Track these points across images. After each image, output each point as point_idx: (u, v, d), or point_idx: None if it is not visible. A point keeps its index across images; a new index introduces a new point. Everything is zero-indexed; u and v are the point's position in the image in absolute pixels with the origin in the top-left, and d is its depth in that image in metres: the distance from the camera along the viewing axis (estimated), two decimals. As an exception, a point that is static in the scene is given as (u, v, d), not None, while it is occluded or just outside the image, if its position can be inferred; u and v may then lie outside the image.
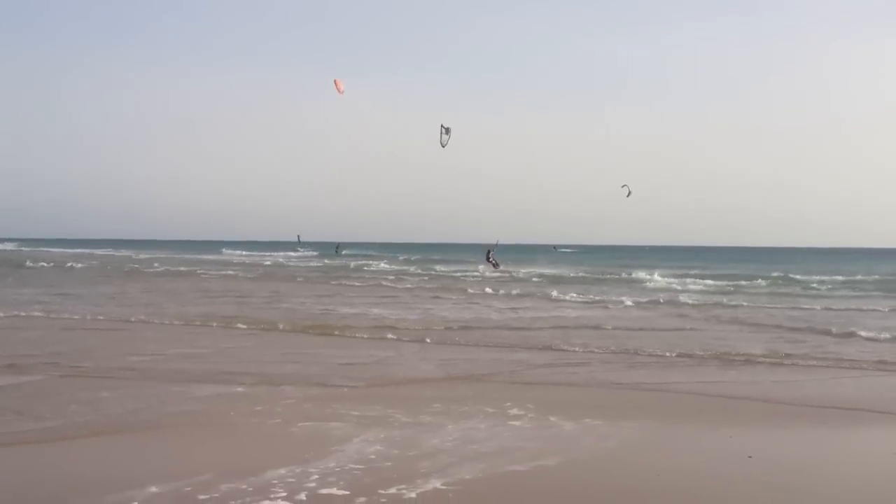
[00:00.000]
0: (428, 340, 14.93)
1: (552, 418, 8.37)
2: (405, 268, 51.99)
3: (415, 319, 18.82)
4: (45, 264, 49.29)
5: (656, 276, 39.88)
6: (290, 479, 6.09)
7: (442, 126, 14.20)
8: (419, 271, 46.69)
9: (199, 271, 43.94)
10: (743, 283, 36.59)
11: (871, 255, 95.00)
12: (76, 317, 18.46)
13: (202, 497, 5.67)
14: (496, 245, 41.66)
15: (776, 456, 7.09)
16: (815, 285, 35.25)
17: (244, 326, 16.88)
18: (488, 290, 29.41)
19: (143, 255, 73.82)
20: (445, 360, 12.64)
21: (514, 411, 8.67)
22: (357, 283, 35.30)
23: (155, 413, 8.58)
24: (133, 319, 18.22)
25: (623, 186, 15.66)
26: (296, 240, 70.59)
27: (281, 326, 17.01)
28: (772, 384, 10.84)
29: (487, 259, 44.36)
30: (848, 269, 52.80)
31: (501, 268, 45.41)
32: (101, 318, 18.37)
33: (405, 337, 15.36)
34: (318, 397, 9.49)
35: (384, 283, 36.32)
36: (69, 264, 50.13)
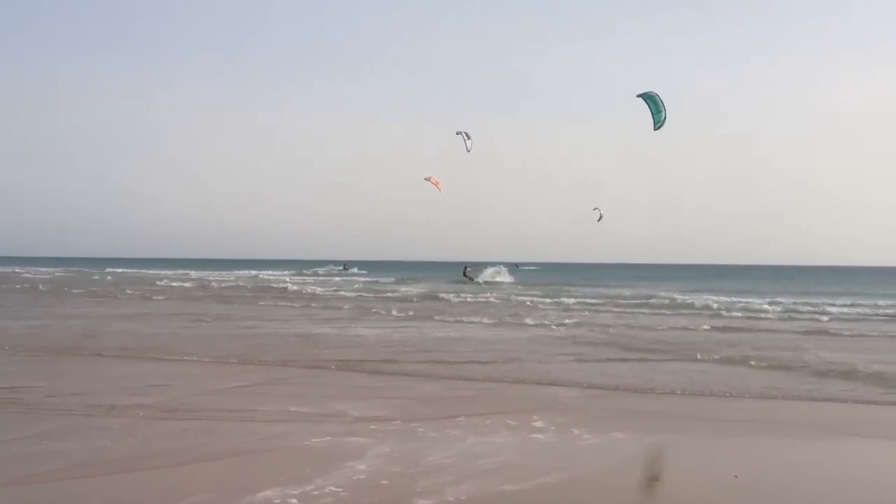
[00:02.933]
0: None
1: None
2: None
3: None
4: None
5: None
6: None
7: (459, 133, 14.14)
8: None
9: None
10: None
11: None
12: None
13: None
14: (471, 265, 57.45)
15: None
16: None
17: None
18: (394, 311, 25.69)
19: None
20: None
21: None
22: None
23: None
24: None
25: (594, 209, 15.37)
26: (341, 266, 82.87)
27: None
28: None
29: (464, 274, 56.75)
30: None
31: (478, 280, 53.42)
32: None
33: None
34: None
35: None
36: None
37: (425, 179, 14.32)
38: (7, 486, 6.00)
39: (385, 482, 6.24)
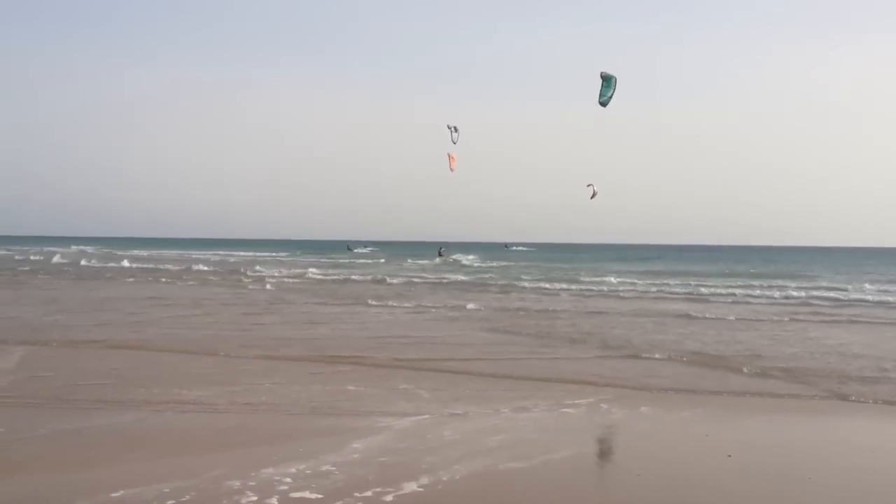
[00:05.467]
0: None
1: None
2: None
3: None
4: None
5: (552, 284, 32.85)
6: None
7: (449, 126, 14.58)
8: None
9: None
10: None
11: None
12: None
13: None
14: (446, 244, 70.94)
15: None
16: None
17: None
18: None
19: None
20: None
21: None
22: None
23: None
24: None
25: (588, 186, 15.33)
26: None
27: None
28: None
29: (439, 254, 66.12)
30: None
31: (450, 258, 62.39)
32: None
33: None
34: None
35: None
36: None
37: (448, 154, 14.83)
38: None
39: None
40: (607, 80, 11.35)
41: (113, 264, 46.16)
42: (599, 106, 11.43)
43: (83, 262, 48.63)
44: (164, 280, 32.47)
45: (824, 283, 34.05)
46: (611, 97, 11.40)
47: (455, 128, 14.55)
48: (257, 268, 43.16)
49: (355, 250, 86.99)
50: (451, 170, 14.98)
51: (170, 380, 9.85)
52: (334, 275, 37.97)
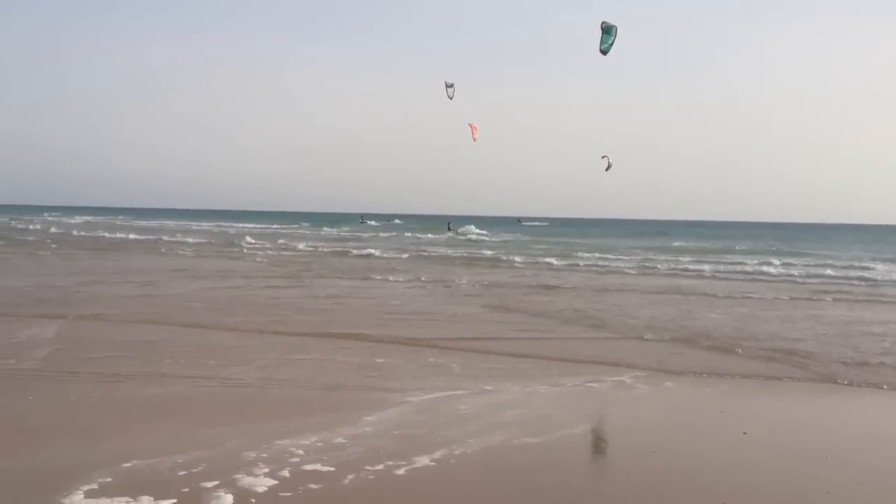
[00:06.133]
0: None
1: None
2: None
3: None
4: None
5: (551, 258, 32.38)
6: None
7: (446, 83, 14.70)
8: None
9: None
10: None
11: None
12: None
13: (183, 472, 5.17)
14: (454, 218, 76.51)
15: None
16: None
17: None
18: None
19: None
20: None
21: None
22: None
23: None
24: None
25: (603, 157, 15.06)
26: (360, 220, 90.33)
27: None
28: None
29: (448, 228, 67.41)
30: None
31: (459, 230, 64.19)
32: None
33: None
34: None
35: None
36: None
37: (469, 125, 15.02)
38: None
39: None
40: (608, 30, 11.62)
41: (134, 235, 46.07)
42: (600, 53, 11.88)
43: (104, 234, 48.21)
44: (163, 250, 32.35)
45: (851, 262, 33.17)
46: (611, 44, 11.82)
47: (451, 84, 14.68)
48: (249, 239, 43.03)
49: (369, 223, 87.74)
50: (474, 139, 15.02)
51: (196, 353, 9.80)
52: (328, 248, 37.63)
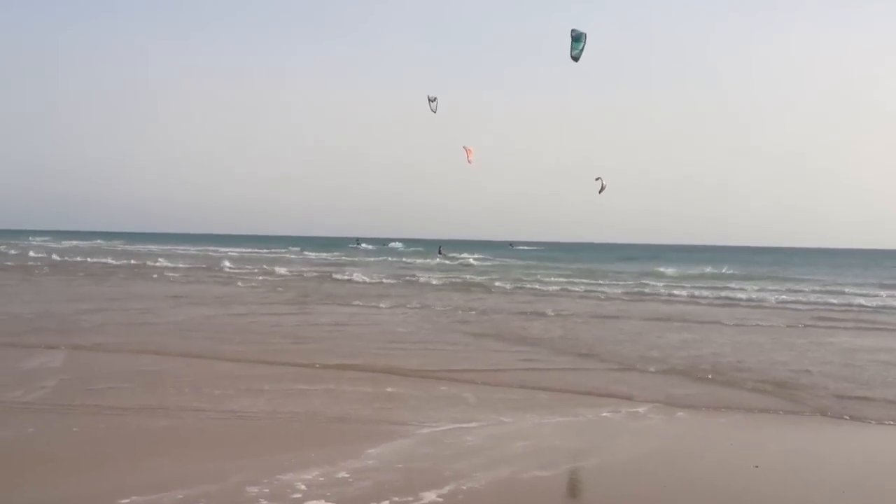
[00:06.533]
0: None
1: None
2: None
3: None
4: None
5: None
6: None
7: (428, 97, 14.78)
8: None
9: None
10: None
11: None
12: None
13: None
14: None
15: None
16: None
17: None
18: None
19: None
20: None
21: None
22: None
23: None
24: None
25: (597, 179, 15.09)
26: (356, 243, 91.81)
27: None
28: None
29: (439, 252, 67.34)
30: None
31: (449, 255, 64.16)
32: None
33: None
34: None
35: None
36: None
37: (464, 147, 14.98)
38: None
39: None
40: (577, 38, 11.79)
41: (125, 261, 45.45)
42: (572, 60, 12.07)
43: (110, 260, 46.45)
44: (154, 276, 32.04)
45: (853, 290, 32.42)
46: (581, 50, 11.99)
47: (433, 98, 14.76)
48: (227, 265, 42.56)
49: (361, 246, 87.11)
50: (469, 162, 14.99)
51: (201, 383, 9.60)
52: (316, 272, 37.59)
